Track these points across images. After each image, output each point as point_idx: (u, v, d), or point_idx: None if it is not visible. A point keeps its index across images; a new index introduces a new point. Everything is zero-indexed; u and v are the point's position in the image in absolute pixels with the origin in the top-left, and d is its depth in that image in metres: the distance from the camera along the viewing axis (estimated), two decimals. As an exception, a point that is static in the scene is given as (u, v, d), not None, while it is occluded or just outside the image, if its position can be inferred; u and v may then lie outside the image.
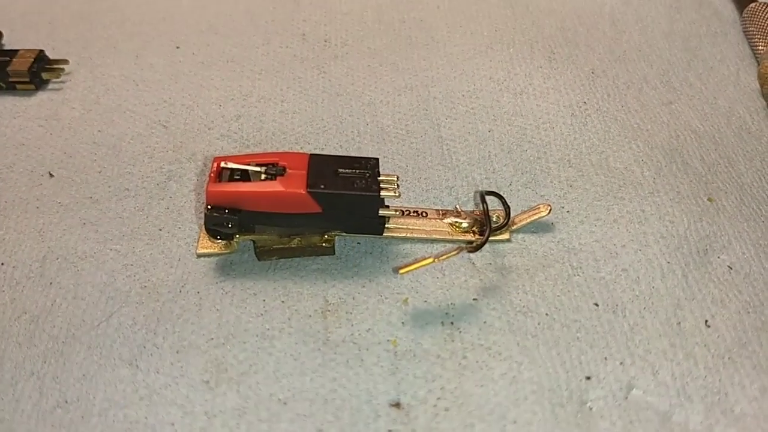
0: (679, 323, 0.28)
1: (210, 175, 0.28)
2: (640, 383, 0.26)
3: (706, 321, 0.28)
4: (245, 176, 0.28)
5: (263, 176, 0.28)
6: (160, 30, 0.43)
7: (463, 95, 0.38)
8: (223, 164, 0.28)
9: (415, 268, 0.27)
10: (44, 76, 0.39)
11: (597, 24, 0.43)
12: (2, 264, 0.30)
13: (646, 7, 0.45)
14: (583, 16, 0.44)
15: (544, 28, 0.43)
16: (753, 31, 0.41)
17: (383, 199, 0.28)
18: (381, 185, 0.28)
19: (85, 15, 0.44)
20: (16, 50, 0.40)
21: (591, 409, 0.25)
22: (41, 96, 0.39)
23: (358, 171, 0.28)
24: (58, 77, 0.40)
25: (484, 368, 0.26)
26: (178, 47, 0.42)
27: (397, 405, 0.26)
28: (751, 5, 0.42)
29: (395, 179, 0.29)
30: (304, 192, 0.27)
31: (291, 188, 0.27)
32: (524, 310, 0.28)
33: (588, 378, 0.26)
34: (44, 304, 0.29)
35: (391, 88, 0.39)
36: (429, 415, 0.25)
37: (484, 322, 0.28)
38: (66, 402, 0.25)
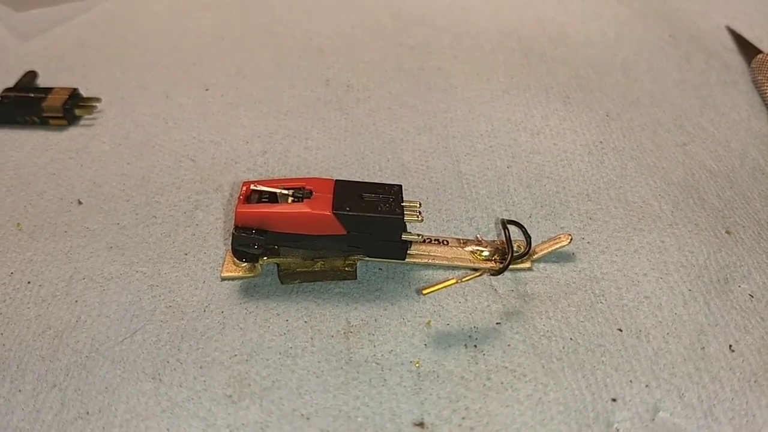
0: (703, 348, 0.27)
1: (239, 197, 0.29)
2: (667, 405, 0.25)
3: (730, 346, 0.27)
4: (273, 198, 0.29)
5: (290, 199, 0.29)
6: (191, 73, 0.45)
7: (481, 135, 0.39)
8: (252, 187, 0.29)
9: (439, 289, 0.28)
10: (77, 112, 0.41)
11: (609, 72, 0.45)
12: (29, 282, 0.31)
13: (656, 57, 0.46)
14: (596, 65, 0.45)
15: (559, 76, 0.44)
16: (762, 80, 0.42)
17: (406, 224, 0.29)
18: (404, 210, 0.29)
19: (118, 59, 0.46)
20: (51, 88, 0.42)
21: (618, 430, 0.25)
22: (73, 131, 0.40)
23: (382, 196, 0.29)
24: (90, 114, 0.41)
25: (509, 389, 0.26)
26: (207, 89, 0.44)
27: (421, 424, 0.25)
28: (758, 56, 0.44)
29: (417, 205, 0.29)
30: (330, 213, 0.28)
31: (317, 210, 0.28)
32: (548, 334, 0.28)
33: (614, 400, 0.26)
34: (69, 320, 0.29)
35: (411, 127, 0.40)
36: (453, 434, 0.25)
37: (508, 345, 0.28)
38: (87, 413, 0.25)
